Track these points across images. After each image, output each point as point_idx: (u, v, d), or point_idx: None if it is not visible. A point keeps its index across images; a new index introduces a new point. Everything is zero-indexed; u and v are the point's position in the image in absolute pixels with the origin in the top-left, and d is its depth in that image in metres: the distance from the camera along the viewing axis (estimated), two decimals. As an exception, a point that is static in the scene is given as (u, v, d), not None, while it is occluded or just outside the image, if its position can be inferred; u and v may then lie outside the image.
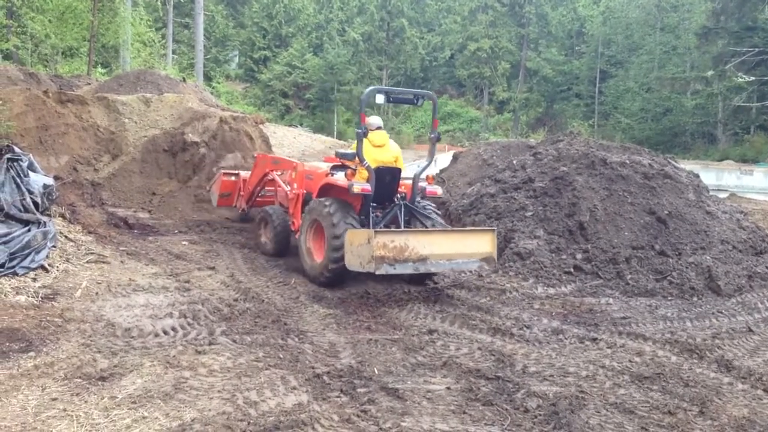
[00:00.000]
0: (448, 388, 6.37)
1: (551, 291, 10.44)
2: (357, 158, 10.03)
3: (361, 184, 9.71)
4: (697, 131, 51.38)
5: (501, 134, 56.41)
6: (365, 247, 8.71)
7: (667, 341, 8.12)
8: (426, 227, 9.84)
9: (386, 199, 10.20)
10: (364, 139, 10.03)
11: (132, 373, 6.27)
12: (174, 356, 6.75)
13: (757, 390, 6.82)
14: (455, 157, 17.25)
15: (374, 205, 10.09)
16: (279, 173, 12.41)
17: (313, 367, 6.65)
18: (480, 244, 9.32)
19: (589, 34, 62.91)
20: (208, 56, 53.83)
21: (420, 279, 10.28)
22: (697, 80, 48.11)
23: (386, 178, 10.03)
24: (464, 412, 5.86)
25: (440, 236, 9.17)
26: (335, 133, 54.78)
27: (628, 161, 13.39)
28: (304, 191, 11.22)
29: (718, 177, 31.31)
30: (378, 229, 8.90)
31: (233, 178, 13.88)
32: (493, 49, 64.60)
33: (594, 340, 8.11)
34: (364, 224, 9.84)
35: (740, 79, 45.03)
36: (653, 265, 11.27)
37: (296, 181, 11.42)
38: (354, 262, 8.94)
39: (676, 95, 51.58)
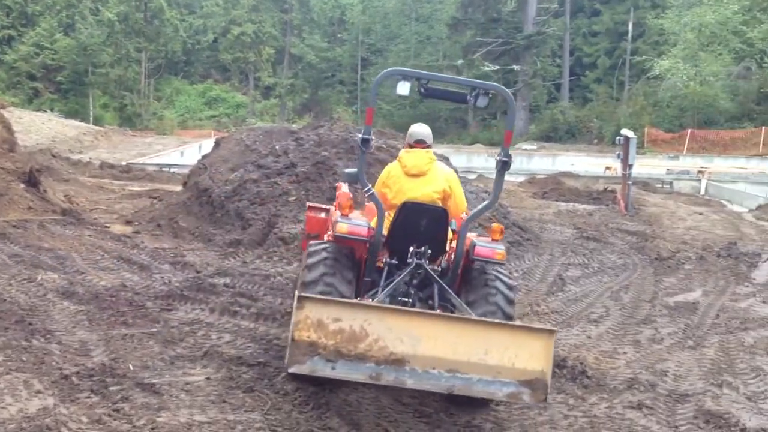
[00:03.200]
0: (208, 379, 6.28)
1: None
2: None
3: (351, 222, 6.19)
4: (450, 117, 54.65)
5: (268, 119, 56.34)
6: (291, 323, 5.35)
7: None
8: (454, 309, 6.07)
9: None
10: (396, 162, 6.67)
11: None
12: None
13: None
14: (217, 143, 16.92)
15: (395, 262, 6.31)
16: None
17: (60, 368, 6.23)
18: (522, 353, 5.29)
19: (350, 22, 64.51)
20: (-61, 34, 48.30)
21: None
22: (449, 69, 51.09)
23: (415, 219, 6.21)
24: (224, 401, 5.80)
25: (442, 325, 5.37)
26: (91, 118, 51.59)
27: (384, 145, 13.93)
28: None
29: (469, 159, 33.68)
30: (309, 294, 5.53)
31: (323, 214, 8.82)
32: (257, 34, 64.18)
33: (354, 319, 8.34)
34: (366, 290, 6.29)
35: (487, 68, 48.54)
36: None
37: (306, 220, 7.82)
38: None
39: (432, 83, 54.46)
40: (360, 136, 6.18)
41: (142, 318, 8.02)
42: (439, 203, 6.40)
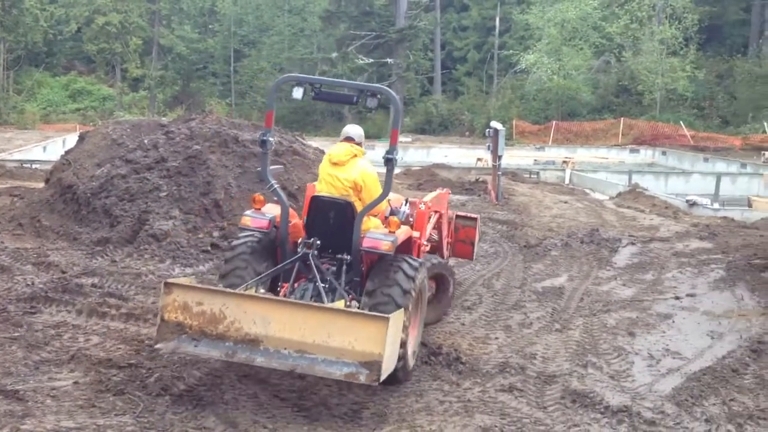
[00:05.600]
0: (76, 383, 6.05)
1: (189, 271, 10.38)
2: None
3: (255, 215, 7.05)
4: (326, 110, 54.51)
5: (137, 112, 54.38)
6: None
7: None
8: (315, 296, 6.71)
9: (333, 247, 7.02)
10: (326, 155, 7.43)
11: None
12: None
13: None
14: (82, 137, 16.18)
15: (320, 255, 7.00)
16: None
17: None
18: (360, 336, 5.80)
19: (221, 13, 63.19)
20: None
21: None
22: (324, 61, 51.05)
23: (323, 212, 7.03)
24: (93, 406, 5.62)
25: (288, 310, 6.00)
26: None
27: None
28: None
29: (346, 152, 33.69)
30: (175, 280, 6.47)
31: None
32: (123, 24, 61.75)
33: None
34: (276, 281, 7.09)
35: (361, 61, 48.84)
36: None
37: None
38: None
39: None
40: (265, 137, 6.88)
41: (4, 322, 7.62)
42: (351, 192, 7.07)
